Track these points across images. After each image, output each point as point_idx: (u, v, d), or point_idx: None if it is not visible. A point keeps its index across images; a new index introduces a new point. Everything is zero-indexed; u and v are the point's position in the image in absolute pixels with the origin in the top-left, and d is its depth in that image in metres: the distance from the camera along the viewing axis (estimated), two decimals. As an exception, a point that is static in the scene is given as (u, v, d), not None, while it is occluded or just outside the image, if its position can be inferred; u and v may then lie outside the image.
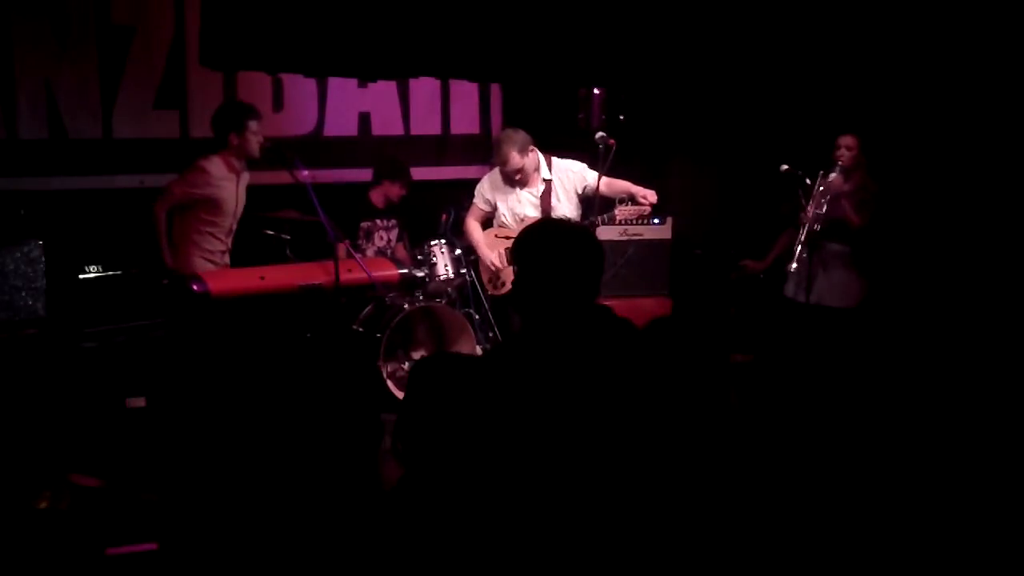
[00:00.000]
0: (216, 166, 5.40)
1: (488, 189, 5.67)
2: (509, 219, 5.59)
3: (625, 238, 5.85)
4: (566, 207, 5.53)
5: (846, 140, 5.78)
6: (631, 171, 5.76)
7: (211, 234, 5.45)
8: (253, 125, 5.42)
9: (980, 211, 5.87)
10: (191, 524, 4.03)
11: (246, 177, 5.59)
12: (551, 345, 2.32)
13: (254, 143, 5.42)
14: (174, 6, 6.55)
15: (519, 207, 5.55)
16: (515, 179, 5.51)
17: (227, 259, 5.58)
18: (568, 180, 5.54)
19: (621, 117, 6.58)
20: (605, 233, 5.48)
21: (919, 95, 5.69)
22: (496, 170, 5.63)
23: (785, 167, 5.81)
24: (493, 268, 5.65)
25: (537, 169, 5.53)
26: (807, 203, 5.72)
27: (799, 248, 5.69)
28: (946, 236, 6.01)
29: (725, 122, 6.82)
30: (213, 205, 5.40)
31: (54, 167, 6.33)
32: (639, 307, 6.90)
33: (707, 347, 2.23)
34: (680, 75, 5.04)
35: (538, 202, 5.53)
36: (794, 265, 5.68)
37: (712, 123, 6.93)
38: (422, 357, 2.59)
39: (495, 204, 5.65)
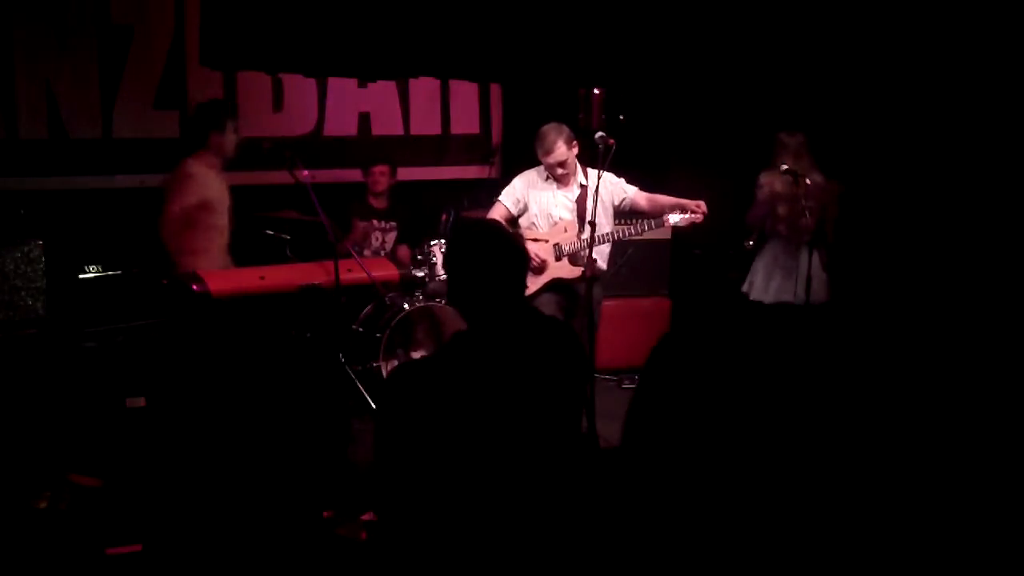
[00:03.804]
0: (199, 167, 5.31)
1: (521, 188, 5.39)
2: (541, 220, 5.35)
3: (625, 238, 5.85)
4: (601, 216, 5.22)
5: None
6: (631, 171, 5.75)
7: (210, 240, 5.36)
8: (231, 124, 5.35)
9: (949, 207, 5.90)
10: (189, 524, 4.04)
11: (223, 175, 5.48)
12: (486, 339, 2.60)
13: (232, 142, 5.35)
14: (174, 6, 6.56)
15: (555, 209, 5.31)
16: (557, 174, 5.25)
17: (229, 262, 5.50)
18: (606, 190, 5.24)
19: (621, 117, 6.58)
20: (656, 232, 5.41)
21: (920, 96, 5.70)
22: (531, 170, 5.40)
23: (785, 167, 5.82)
24: (537, 261, 5.26)
25: (575, 172, 5.34)
26: (806, 203, 5.75)
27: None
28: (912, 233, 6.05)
29: (725, 122, 6.83)
30: (207, 207, 5.31)
31: (54, 167, 6.34)
32: (638, 307, 6.93)
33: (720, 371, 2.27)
34: (680, 75, 5.04)
35: (574, 206, 5.30)
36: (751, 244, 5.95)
37: (712, 123, 6.94)
38: (391, 371, 3.02)
39: (526, 204, 5.37)
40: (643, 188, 5.53)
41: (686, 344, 2.33)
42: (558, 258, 5.29)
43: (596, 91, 7.08)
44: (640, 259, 6.57)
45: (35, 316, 5.38)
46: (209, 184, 5.33)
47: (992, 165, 5.80)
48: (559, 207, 5.33)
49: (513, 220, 5.42)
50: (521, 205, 5.38)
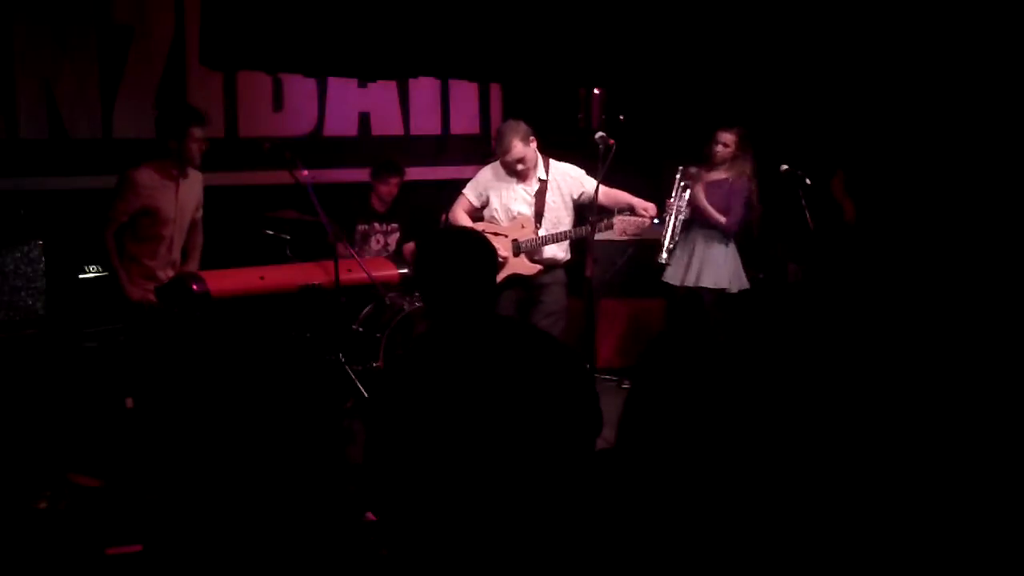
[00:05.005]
0: (146, 175, 5.13)
1: (482, 182, 5.52)
2: (501, 215, 5.45)
3: (625, 238, 5.86)
4: (561, 210, 5.43)
5: (725, 136, 5.89)
6: (630, 171, 5.75)
7: (151, 248, 5.21)
8: (197, 132, 5.15)
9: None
10: (189, 524, 4.04)
11: (192, 183, 5.31)
12: (454, 335, 2.71)
13: (195, 150, 5.16)
14: (174, 6, 6.56)
15: (514, 204, 5.43)
16: (516, 170, 5.37)
17: (171, 273, 5.31)
18: (565, 184, 5.43)
19: (621, 117, 6.58)
20: (606, 233, 5.44)
21: (918, 96, 5.70)
22: (492, 165, 5.54)
23: (785, 167, 5.82)
24: (499, 260, 5.45)
25: (535, 166, 5.46)
26: (806, 203, 5.75)
27: (668, 239, 5.81)
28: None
29: (725, 122, 6.83)
30: (149, 215, 5.14)
31: (54, 167, 6.33)
32: (639, 307, 6.93)
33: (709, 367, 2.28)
34: (680, 75, 5.04)
35: (532, 200, 5.41)
36: (664, 256, 5.81)
37: (712, 123, 6.93)
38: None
39: (487, 198, 5.49)
40: (642, 190, 5.55)
41: (676, 345, 2.34)
42: (516, 254, 5.37)
43: (596, 91, 7.07)
44: (640, 260, 6.57)
45: (35, 316, 5.38)
46: (157, 195, 5.15)
47: (988, 160, 5.81)
48: (518, 201, 5.44)
49: (476, 212, 5.55)
50: (484, 198, 5.50)
